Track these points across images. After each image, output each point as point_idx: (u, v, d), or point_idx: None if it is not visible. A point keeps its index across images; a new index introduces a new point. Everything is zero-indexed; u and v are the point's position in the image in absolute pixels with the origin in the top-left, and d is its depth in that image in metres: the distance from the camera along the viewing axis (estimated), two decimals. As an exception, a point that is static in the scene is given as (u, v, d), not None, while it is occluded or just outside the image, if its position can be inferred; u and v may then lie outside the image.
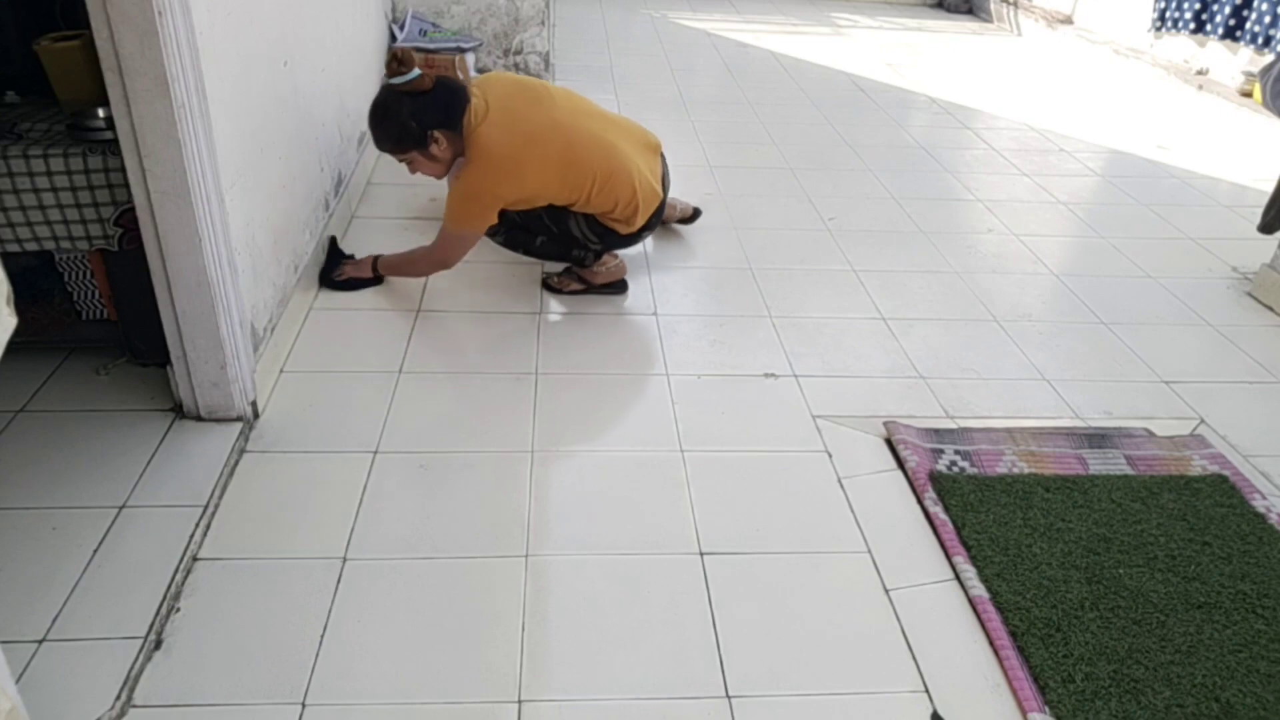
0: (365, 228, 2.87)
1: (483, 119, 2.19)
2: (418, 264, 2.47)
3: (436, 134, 2.18)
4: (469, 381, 2.17)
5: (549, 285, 2.59)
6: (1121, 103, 4.82)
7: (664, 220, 2.96)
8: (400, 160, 2.28)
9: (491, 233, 2.44)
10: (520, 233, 2.46)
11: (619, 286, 2.58)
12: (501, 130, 2.18)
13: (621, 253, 2.59)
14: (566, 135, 2.25)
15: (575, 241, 2.43)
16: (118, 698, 1.35)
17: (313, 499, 1.78)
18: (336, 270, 2.51)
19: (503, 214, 2.35)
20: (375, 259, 2.50)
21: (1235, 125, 4.47)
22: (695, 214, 2.97)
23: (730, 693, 1.45)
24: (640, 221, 2.42)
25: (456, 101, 2.19)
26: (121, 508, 1.70)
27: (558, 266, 2.63)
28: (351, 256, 2.58)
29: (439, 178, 2.35)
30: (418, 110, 2.16)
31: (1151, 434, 2.11)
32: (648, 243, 2.88)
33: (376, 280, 2.52)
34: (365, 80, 3.28)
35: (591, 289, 2.57)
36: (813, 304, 2.60)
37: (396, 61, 2.15)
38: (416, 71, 2.15)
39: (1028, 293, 2.75)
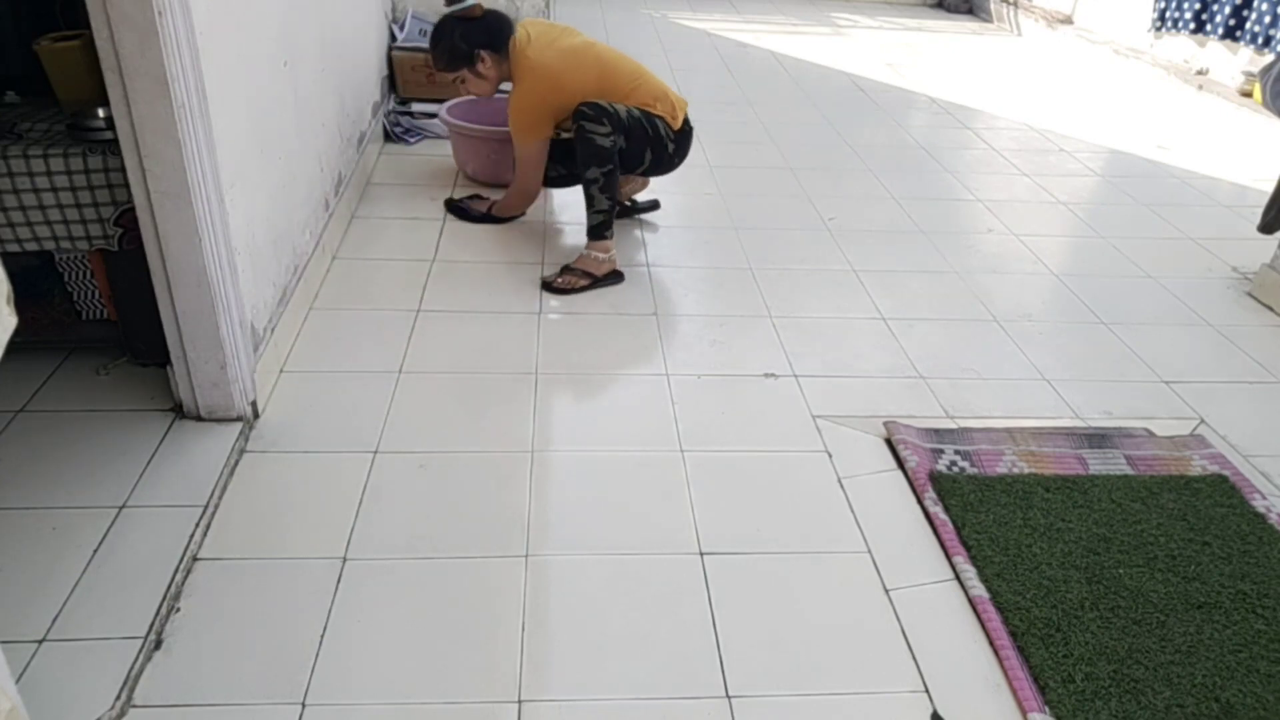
0: (365, 228, 2.87)
1: (524, 46, 2.55)
2: (510, 202, 2.88)
3: (482, 54, 2.55)
4: (469, 381, 2.17)
5: (551, 286, 2.58)
6: (1121, 103, 4.82)
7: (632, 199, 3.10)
8: (453, 79, 2.65)
9: (554, 178, 2.84)
10: (562, 154, 2.75)
11: (616, 277, 2.64)
12: (541, 49, 2.55)
13: (622, 237, 2.80)
14: (599, 53, 2.64)
15: (648, 139, 2.62)
16: (118, 698, 1.35)
17: (313, 499, 1.78)
18: (464, 202, 2.97)
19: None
20: (491, 205, 2.94)
21: (1235, 125, 4.47)
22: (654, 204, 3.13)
23: (730, 693, 1.45)
24: (680, 118, 2.70)
25: (502, 28, 2.57)
26: (121, 508, 1.70)
27: (555, 267, 2.66)
28: (475, 197, 3.00)
29: (486, 96, 2.71)
30: (467, 32, 2.54)
31: (1151, 434, 2.11)
32: (648, 242, 2.89)
33: (488, 218, 2.93)
34: (365, 80, 3.28)
35: (596, 282, 2.59)
36: (813, 304, 2.60)
37: None
38: (471, 1, 2.54)
39: (1028, 293, 2.75)
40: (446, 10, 2.58)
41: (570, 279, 2.57)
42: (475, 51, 2.54)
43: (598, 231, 2.58)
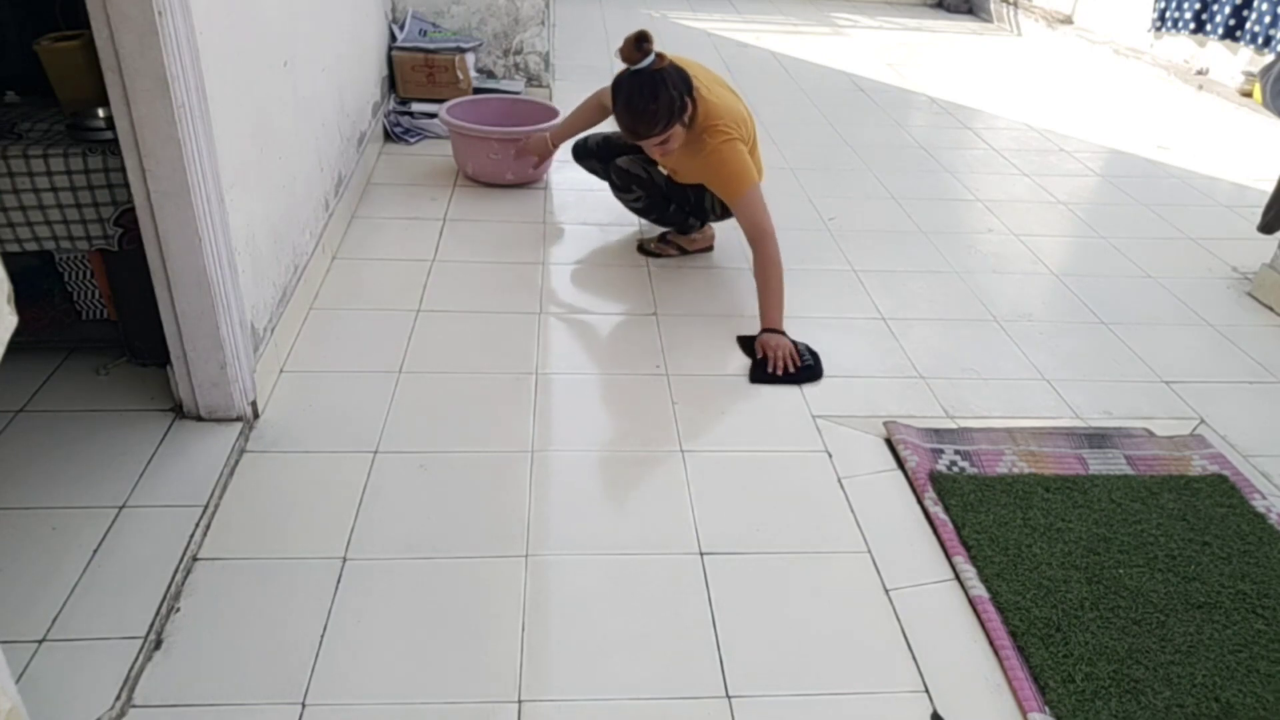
0: (365, 228, 2.87)
1: (704, 93, 2.38)
2: (770, 268, 2.34)
3: (688, 101, 2.31)
4: (469, 381, 2.17)
5: (646, 250, 2.82)
6: (1121, 103, 4.82)
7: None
8: (660, 141, 2.32)
9: (634, 198, 2.70)
10: (661, 200, 2.67)
11: (706, 250, 2.87)
12: (718, 101, 2.40)
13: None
14: (743, 107, 2.53)
15: (702, 211, 2.66)
16: (118, 698, 1.35)
17: (313, 499, 1.78)
18: (761, 360, 2.28)
19: (649, 181, 2.62)
20: (764, 329, 2.33)
21: (1235, 125, 4.47)
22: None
23: (730, 693, 1.45)
24: None
25: (684, 71, 2.34)
26: (121, 508, 1.70)
27: (655, 232, 2.89)
28: (753, 339, 2.35)
29: (676, 147, 2.39)
30: (676, 82, 2.27)
31: (1151, 434, 2.11)
32: (648, 243, 2.89)
33: (784, 339, 2.31)
34: (365, 80, 3.28)
35: (684, 254, 2.83)
36: (813, 304, 2.60)
37: (646, 41, 2.25)
38: (654, 52, 2.26)
39: (1028, 293, 2.75)
40: (632, 69, 2.25)
41: (663, 246, 2.82)
42: (685, 100, 2.29)
43: (684, 231, 2.80)
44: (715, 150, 2.34)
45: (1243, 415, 2.22)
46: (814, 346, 2.36)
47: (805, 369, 2.26)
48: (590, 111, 2.80)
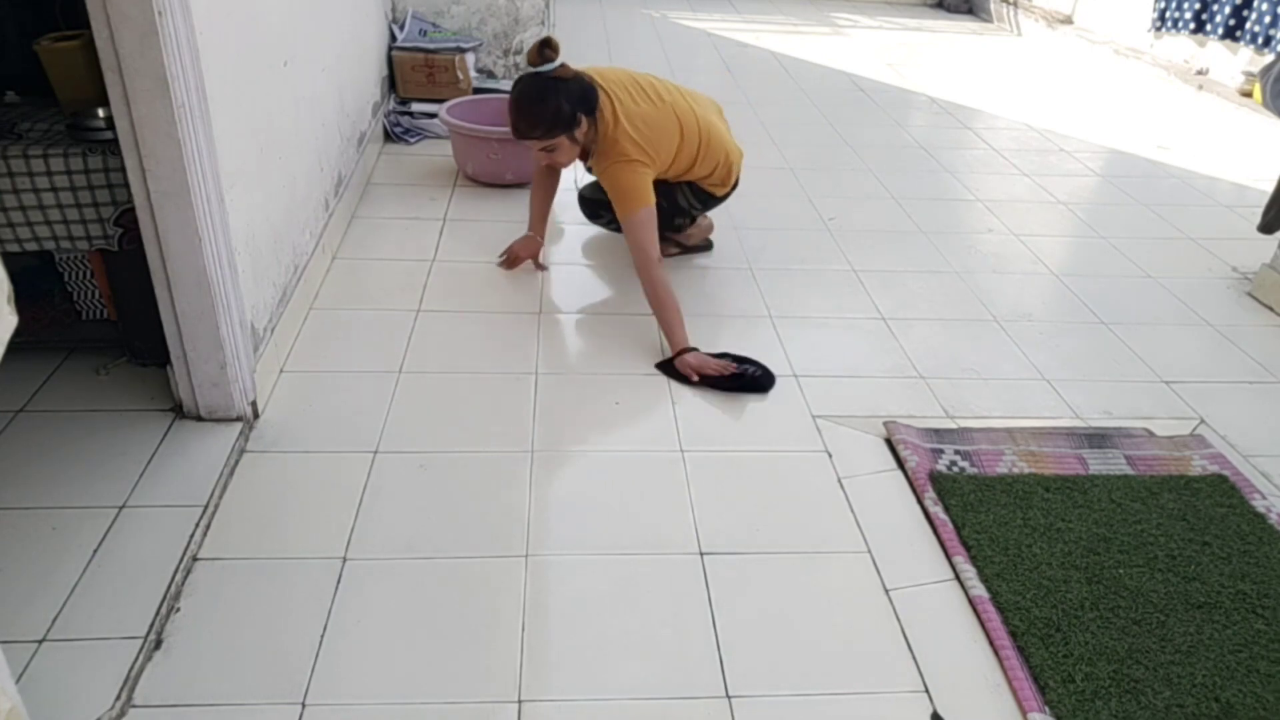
0: (365, 228, 2.87)
1: (614, 113, 2.34)
2: (658, 292, 2.31)
3: (581, 118, 2.29)
4: (469, 381, 2.17)
5: None
6: (1121, 103, 4.82)
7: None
8: (544, 147, 2.33)
9: (607, 220, 2.71)
10: None
11: (706, 245, 2.87)
12: (634, 120, 2.36)
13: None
14: (677, 118, 2.45)
15: (680, 210, 2.64)
16: (118, 698, 1.35)
17: (313, 499, 1.78)
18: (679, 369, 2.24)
19: (609, 203, 2.51)
20: (681, 349, 2.25)
21: (1235, 125, 4.47)
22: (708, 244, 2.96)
23: (730, 693, 1.45)
24: (732, 180, 2.66)
25: (593, 91, 2.32)
26: (121, 508, 1.70)
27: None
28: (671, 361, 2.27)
29: (569, 164, 2.46)
30: (569, 95, 2.27)
31: (1151, 434, 2.11)
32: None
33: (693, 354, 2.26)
34: (365, 80, 3.28)
35: (685, 250, 2.84)
36: (813, 304, 2.60)
37: (549, 49, 2.26)
38: (560, 60, 2.26)
39: (1028, 293, 2.75)
40: (531, 70, 2.26)
41: (661, 245, 2.72)
42: (578, 115, 2.27)
43: (677, 230, 2.75)
44: (605, 170, 2.36)
45: (1243, 415, 2.22)
46: (813, 346, 2.36)
47: (754, 379, 2.20)
48: (542, 180, 2.69)
